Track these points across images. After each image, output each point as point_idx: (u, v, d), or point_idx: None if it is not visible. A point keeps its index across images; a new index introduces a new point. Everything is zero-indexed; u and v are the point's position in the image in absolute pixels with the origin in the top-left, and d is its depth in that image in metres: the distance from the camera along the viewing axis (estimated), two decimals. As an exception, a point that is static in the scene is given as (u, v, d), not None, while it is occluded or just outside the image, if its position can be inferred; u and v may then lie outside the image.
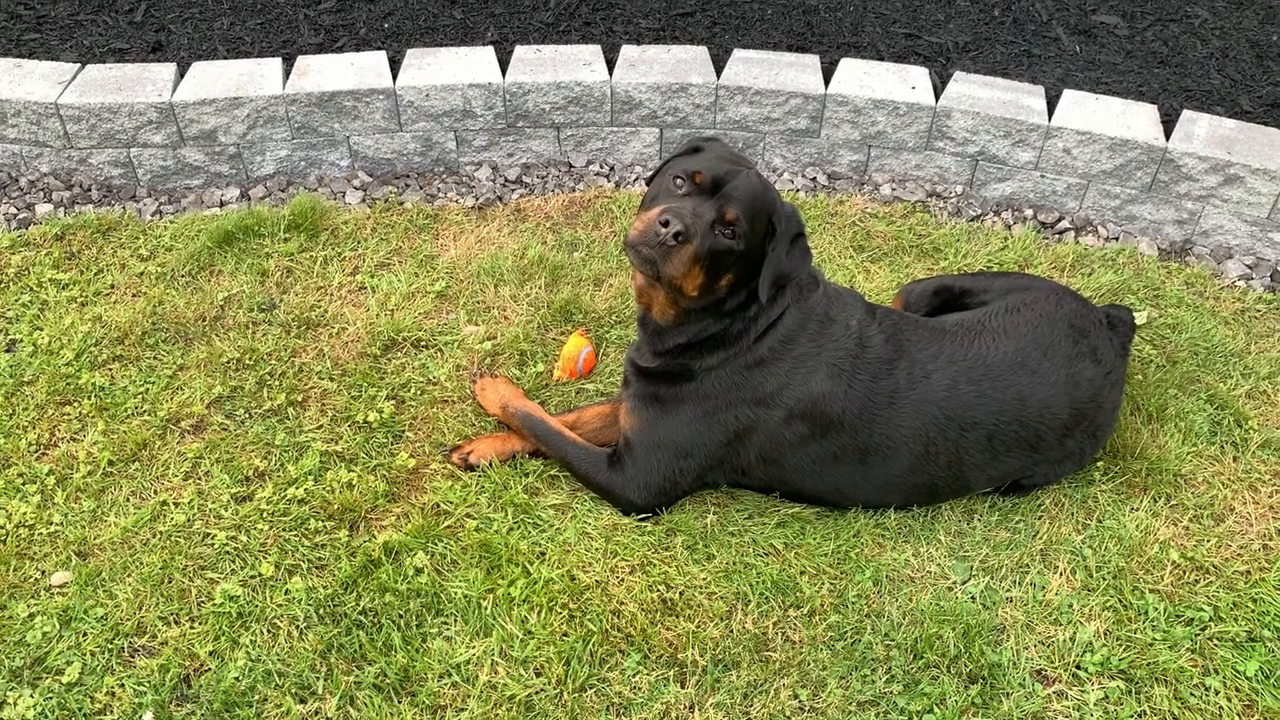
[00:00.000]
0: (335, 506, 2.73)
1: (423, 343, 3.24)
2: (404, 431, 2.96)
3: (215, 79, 3.84)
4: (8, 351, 3.16)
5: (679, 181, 2.44)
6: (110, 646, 2.44)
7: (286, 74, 3.89)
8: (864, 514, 2.75)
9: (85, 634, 2.46)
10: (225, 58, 4.03)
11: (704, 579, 2.59)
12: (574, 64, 3.95)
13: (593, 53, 4.02)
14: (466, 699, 2.35)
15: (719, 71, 3.96)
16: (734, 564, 2.63)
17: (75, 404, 3.00)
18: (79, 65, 3.90)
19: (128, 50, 4.07)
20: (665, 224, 2.32)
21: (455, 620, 2.50)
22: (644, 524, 2.71)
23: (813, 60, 4.04)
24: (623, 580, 2.58)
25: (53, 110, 3.74)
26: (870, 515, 2.75)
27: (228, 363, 3.13)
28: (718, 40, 4.21)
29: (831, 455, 2.62)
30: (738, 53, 4.05)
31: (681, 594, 2.55)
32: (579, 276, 3.49)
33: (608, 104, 3.94)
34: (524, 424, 2.85)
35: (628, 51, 4.03)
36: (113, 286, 3.40)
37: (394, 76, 3.88)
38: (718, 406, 2.60)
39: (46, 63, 3.93)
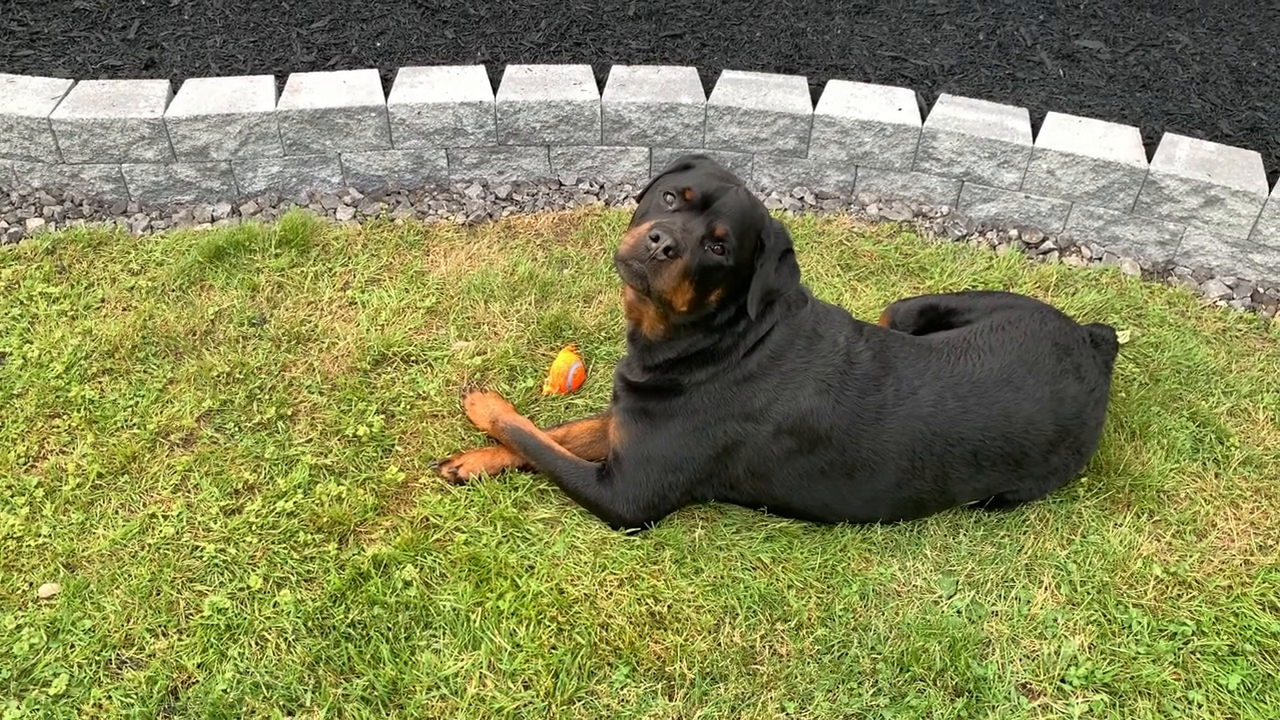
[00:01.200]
0: (324, 520, 2.73)
1: (413, 358, 3.25)
2: (393, 445, 2.97)
3: (208, 96, 3.86)
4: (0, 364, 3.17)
5: (669, 198, 2.47)
6: (98, 658, 2.43)
7: (279, 91, 3.92)
8: (851, 529, 2.77)
9: (73, 646, 2.45)
10: (218, 75, 4.05)
11: (692, 592, 2.60)
12: (565, 83, 3.99)
13: (583, 72, 4.06)
14: (455, 711, 2.35)
15: (708, 92, 4.00)
16: (722, 578, 2.64)
17: (65, 416, 3.00)
18: (72, 81, 3.92)
19: (121, 67, 4.10)
20: (656, 239, 2.35)
21: (444, 633, 2.50)
22: (632, 538, 2.73)
23: (800, 82, 4.09)
24: (611, 594, 2.59)
25: (45, 125, 3.76)
26: (857, 530, 2.77)
27: (218, 377, 3.13)
28: (706, 61, 4.26)
29: (819, 470, 2.65)
30: (726, 74, 4.10)
31: (670, 607, 2.56)
32: (569, 293, 3.51)
33: (598, 123, 3.98)
34: (513, 438, 2.86)
35: (618, 71, 4.08)
36: (103, 300, 3.41)
37: (386, 94, 3.91)
38: (706, 421, 2.62)
39: (40, 78, 3.95)
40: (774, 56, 4.34)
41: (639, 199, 2.65)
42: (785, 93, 4.02)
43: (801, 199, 4.07)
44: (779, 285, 2.56)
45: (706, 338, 2.59)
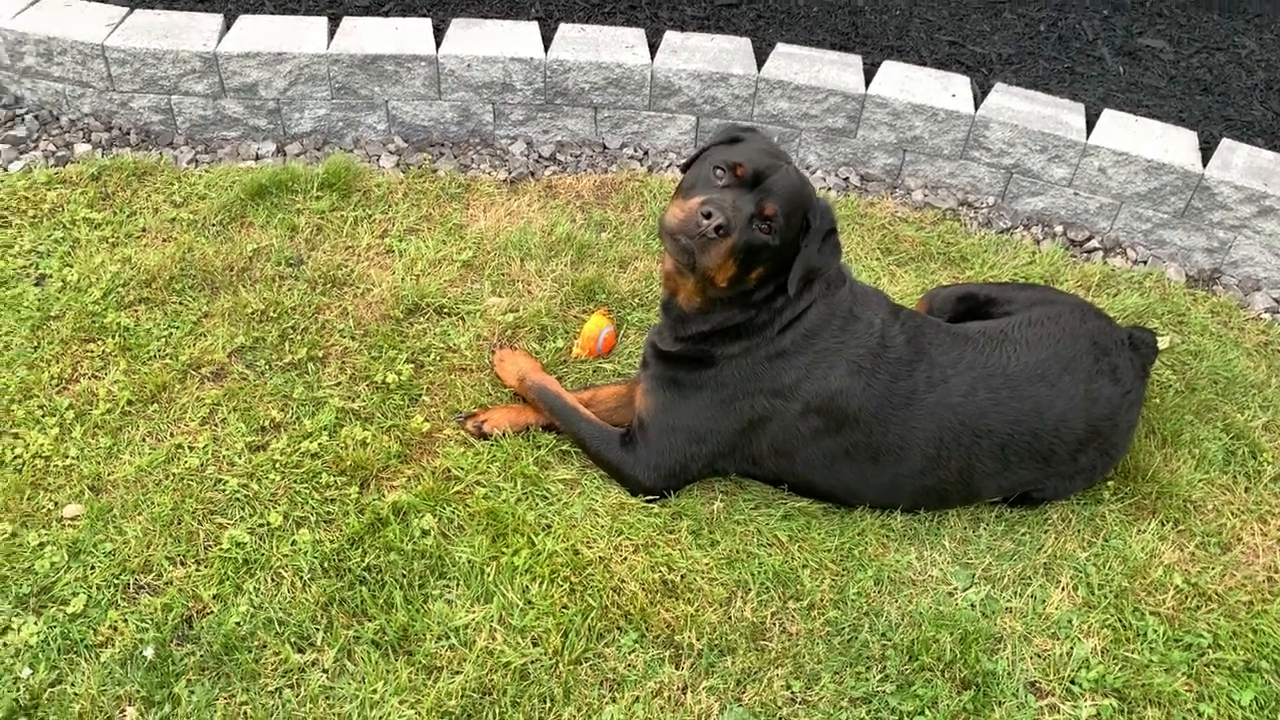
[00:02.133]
0: (348, 463, 2.75)
1: (446, 310, 3.26)
2: (420, 395, 2.98)
3: (261, 33, 3.86)
4: (37, 285, 3.19)
5: (719, 172, 2.44)
6: (116, 581, 2.47)
7: (331, 34, 3.91)
8: (870, 513, 2.75)
9: (93, 567, 2.49)
10: (272, 13, 4.05)
11: (706, 564, 2.60)
12: (616, 46, 3.96)
13: (636, 36, 4.02)
14: (463, 662, 2.37)
15: (760, 64, 3.95)
16: (737, 552, 2.64)
17: (99, 342, 3.03)
18: (128, 9, 3.93)
19: (176, -1, 4.10)
20: (708, 215, 2.33)
21: (458, 584, 2.51)
22: (650, 505, 2.73)
23: (855, 60, 4.03)
24: (625, 559, 2.59)
25: (99, 51, 3.77)
26: (876, 515, 2.75)
27: (252, 314, 3.15)
28: (761, 34, 4.21)
29: (844, 451, 2.63)
30: (780, 47, 4.05)
31: (683, 577, 2.56)
32: (605, 257, 3.50)
33: (647, 88, 3.94)
34: (540, 397, 2.87)
35: (671, 37, 4.04)
36: (144, 230, 3.43)
37: (437, 44, 3.89)
38: (735, 394, 2.61)
39: (96, 3, 3.96)
40: (830, 33, 4.28)
41: (684, 169, 2.62)
42: (839, 70, 3.96)
43: (846, 179, 4.02)
44: (820, 265, 2.53)
45: (742, 312, 2.57)
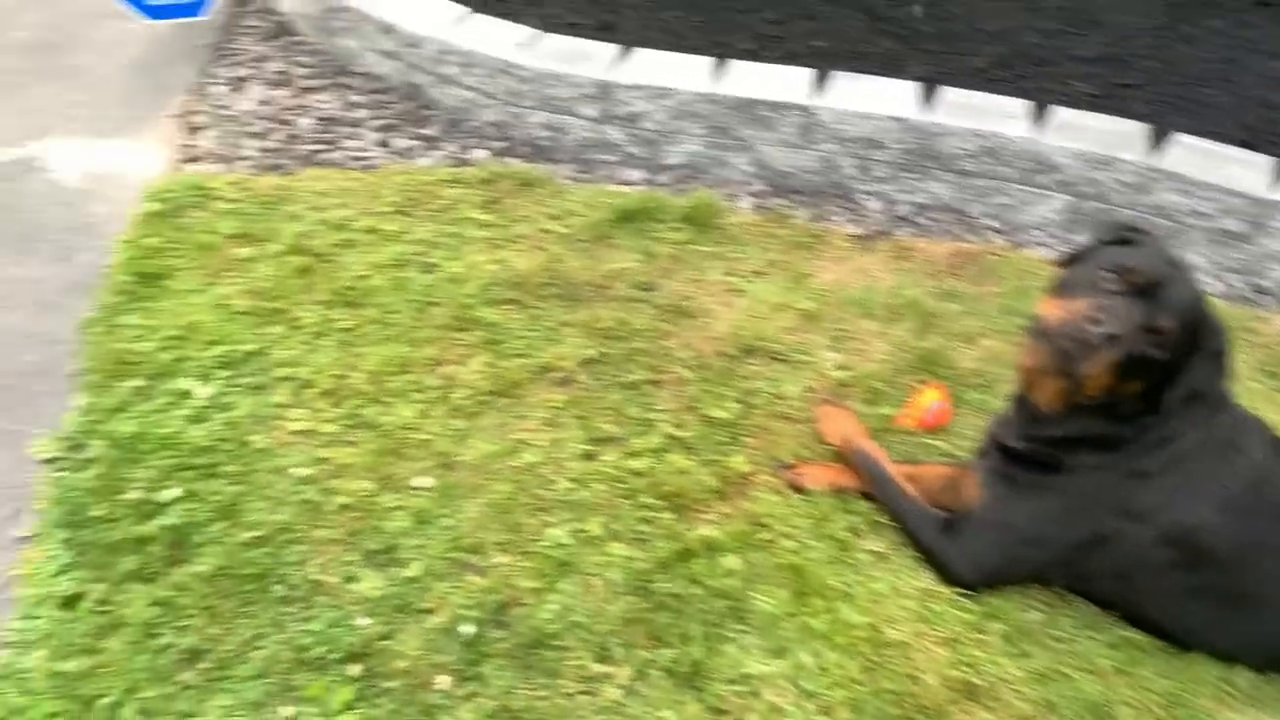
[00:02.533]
0: (667, 488, 2.84)
1: (779, 356, 3.29)
2: (744, 436, 3.03)
3: (650, 66, 4.09)
4: (426, 273, 3.55)
5: (1108, 275, 2.30)
6: (448, 556, 2.67)
7: (715, 74, 4.07)
8: (1210, 662, 2.49)
9: (432, 538, 2.71)
10: (664, 49, 4.27)
11: (1014, 675, 2.46)
12: (998, 115, 3.85)
13: (1020, 107, 3.89)
14: (748, 713, 2.37)
15: (1153, 152, 3.70)
16: (1051, 670, 2.47)
17: (468, 332, 3.31)
18: (538, 32, 4.29)
19: (580, 25, 4.41)
20: (1096, 322, 2.21)
21: (754, 632, 2.53)
22: (961, 599, 2.61)
23: (1262, 160, 3.69)
24: (928, 650, 2.50)
25: (507, 68, 4.14)
26: (1217, 666, 2.48)
27: (602, 330, 3.33)
28: (1158, 118, 3.94)
29: (1195, 590, 2.40)
30: (1179, 137, 3.77)
31: (988, 683, 2.44)
32: (950, 329, 3.40)
33: (1023, 161, 3.79)
34: (862, 463, 2.82)
35: (1058, 113, 3.87)
36: (521, 236, 3.73)
37: (814, 95, 3.95)
38: (1081, 507, 2.45)
39: (510, 24, 4.34)
40: (1237, 127, 3.93)
41: (1064, 264, 2.49)
42: (1243, 169, 3.63)
43: (1233, 287, 3.67)
44: (1205, 388, 2.33)
45: (1106, 424, 2.40)
